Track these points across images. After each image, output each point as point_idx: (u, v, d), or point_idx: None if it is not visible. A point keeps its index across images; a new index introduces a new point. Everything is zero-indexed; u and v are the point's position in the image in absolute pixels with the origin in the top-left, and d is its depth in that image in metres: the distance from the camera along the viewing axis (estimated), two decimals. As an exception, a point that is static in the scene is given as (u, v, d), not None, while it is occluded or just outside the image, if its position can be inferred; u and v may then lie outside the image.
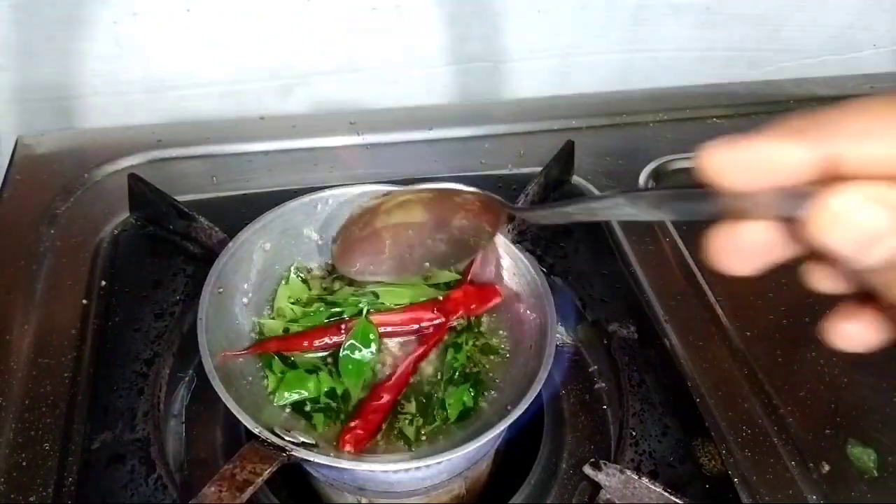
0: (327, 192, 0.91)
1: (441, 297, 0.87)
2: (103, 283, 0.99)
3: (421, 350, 0.83)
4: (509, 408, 0.74)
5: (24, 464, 0.79)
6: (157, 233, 1.05)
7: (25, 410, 0.83)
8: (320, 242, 0.92)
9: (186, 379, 0.92)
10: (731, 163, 0.45)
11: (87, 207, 1.11)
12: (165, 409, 0.88)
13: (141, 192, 1.05)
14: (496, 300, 0.87)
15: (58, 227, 1.07)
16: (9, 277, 0.98)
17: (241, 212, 1.00)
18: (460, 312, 0.86)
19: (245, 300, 0.85)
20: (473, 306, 0.87)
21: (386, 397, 0.79)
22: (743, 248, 0.49)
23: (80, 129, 1.30)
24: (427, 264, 0.82)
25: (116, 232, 1.07)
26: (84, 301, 0.96)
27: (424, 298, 0.87)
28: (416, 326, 0.85)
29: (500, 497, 0.87)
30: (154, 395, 0.86)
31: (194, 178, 1.18)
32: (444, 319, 0.85)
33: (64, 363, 0.88)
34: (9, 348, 0.89)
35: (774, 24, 1.48)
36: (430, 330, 0.84)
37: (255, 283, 0.87)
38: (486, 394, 0.82)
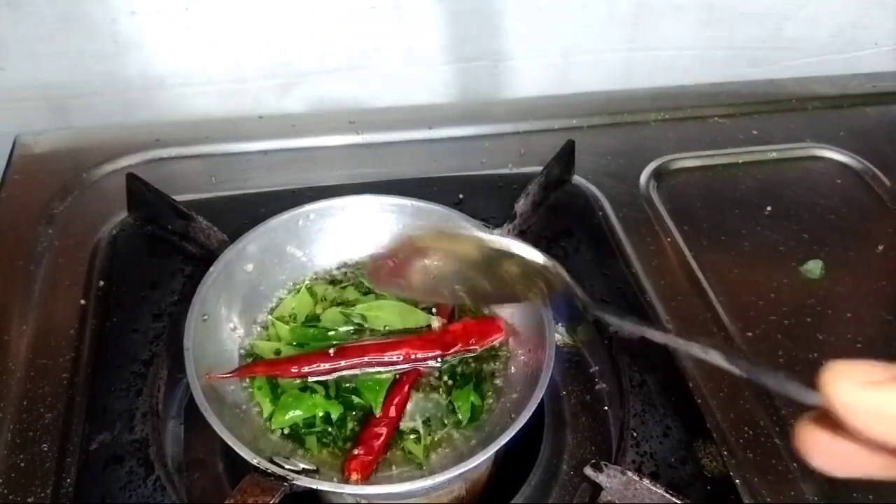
0: (307, 207, 0.92)
1: (437, 325, 0.88)
2: (101, 283, 0.98)
3: (417, 374, 0.84)
4: (513, 415, 0.74)
5: (22, 465, 0.79)
6: (156, 233, 1.04)
7: (23, 411, 0.83)
8: (304, 259, 0.93)
9: (185, 379, 0.84)
10: (856, 404, 0.40)
11: (85, 207, 1.10)
12: (164, 410, 0.88)
13: (139, 191, 1.04)
14: (497, 336, 0.88)
15: (56, 227, 1.06)
16: (7, 277, 0.98)
17: (241, 212, 1.02)
18: (458, 346, 0.86)
19: (231, 325, 0.86)
20: (473, 341, 0.87)
21: (387, 420, 0.80)
22: (836, 455, 0.44)
23: (78, 129, 1.28)
24: (462, 294, 0.80)
25: (115, 232, 1.06)
26: (82, 301, 0.95)
27: (413, 325, 0.88)
28: (409, 365, 0.84)
29: (500, 498, 0.86)
30: (152, 395, 0.86)
31: (193, 177, 1.17)
32: (440, 352, 0.85)
33: (62, 364, 0.88)
34: (7, 349, 0.89)
35: (776, 23, 1.46)
36: (427, 363, 0.85)
37: (241, 307, 0.87)
38: (490, 391, 0.83)
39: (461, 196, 1.12)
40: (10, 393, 0.84)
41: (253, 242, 0.88)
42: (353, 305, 0.89)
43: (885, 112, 1.40)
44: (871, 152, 1.29)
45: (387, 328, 0.88)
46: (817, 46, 1.51)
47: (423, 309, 0.89)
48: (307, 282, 0.92)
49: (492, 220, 1.05)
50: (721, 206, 1.18)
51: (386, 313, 0.88)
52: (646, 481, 0.79)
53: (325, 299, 0.90)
